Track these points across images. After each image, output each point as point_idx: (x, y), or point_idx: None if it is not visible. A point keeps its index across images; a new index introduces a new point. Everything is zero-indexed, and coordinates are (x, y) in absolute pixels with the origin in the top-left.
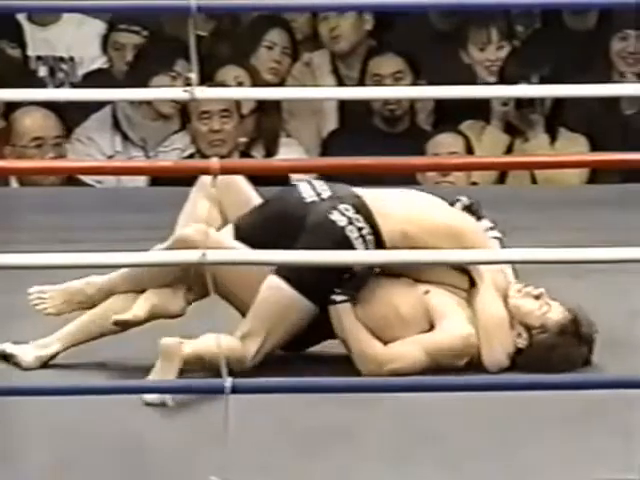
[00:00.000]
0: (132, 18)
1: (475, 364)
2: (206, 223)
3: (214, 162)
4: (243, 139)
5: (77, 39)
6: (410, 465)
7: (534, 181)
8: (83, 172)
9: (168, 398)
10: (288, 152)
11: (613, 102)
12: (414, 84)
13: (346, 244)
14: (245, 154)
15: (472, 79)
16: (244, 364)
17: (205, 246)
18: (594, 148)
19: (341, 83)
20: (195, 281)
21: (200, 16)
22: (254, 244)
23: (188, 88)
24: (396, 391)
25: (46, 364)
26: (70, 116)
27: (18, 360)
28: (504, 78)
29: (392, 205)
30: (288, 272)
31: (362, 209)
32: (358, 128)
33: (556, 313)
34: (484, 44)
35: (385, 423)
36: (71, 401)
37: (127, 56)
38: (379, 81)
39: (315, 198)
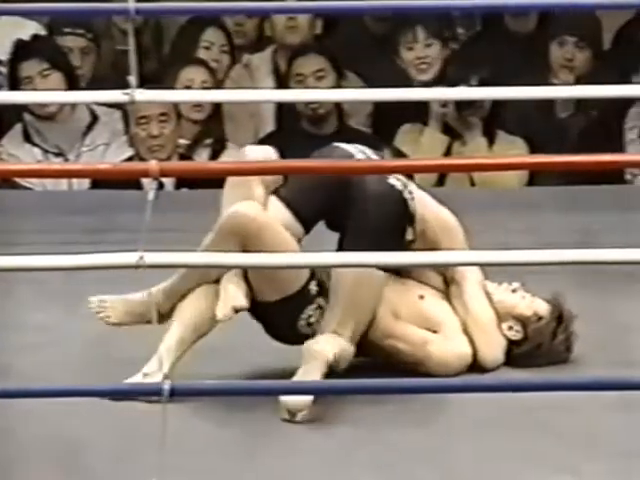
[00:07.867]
0: (73, 21)
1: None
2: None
3: (153, 164)
4: (183, 141)
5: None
6: (346, 467)
7: (472, 183)
8: (22, 175)
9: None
10: (229, 155)
11: (549, 105)
12: (338, 84)
13: (404, 207)
14: (185, 157)
15: (410, 81)
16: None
17: (258, 222)
18: (532, 151)
19: (281, 83)
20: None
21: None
22: (308, 213)
23: (128, 91)
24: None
25: None
26: (5, 120)
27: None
28: (444, 80)
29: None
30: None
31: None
32: (292, 130)
33: (540, 302)
34: (411, 43)
35: (320, 425)
36: (7, 404)
37: (74, 59)
38: (302, 81)
39: (362, 155)
